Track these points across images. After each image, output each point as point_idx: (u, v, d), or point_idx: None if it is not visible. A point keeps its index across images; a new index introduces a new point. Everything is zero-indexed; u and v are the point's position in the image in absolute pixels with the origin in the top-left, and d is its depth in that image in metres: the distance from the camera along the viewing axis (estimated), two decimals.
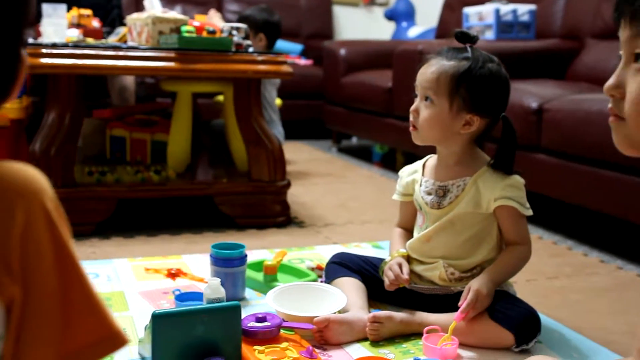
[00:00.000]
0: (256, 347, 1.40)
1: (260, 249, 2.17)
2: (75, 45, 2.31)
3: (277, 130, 3.41)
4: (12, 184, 0.64)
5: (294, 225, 2.54)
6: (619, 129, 0.99)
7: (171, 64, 2.35)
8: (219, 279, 1.51)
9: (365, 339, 1.53)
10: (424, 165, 1.70)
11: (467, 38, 1.62)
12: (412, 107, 1.61)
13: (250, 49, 2.57)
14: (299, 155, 4.11)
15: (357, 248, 2.22)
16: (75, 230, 2.27)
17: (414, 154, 3.52)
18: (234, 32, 2.61)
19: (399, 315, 1.55)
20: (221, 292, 1.49)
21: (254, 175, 2.54)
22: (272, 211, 2.53)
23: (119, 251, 2.15)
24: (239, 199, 2.50)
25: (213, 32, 2.53)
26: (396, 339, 1.54)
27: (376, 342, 1.52)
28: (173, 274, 1.89)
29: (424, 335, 1.48)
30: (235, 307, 1.36)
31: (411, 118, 1.62)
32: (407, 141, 3.50)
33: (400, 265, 1.61)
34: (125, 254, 2.12)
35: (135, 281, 1.86)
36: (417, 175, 1.69)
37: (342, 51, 4.35)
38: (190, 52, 2.37)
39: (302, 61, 5.06)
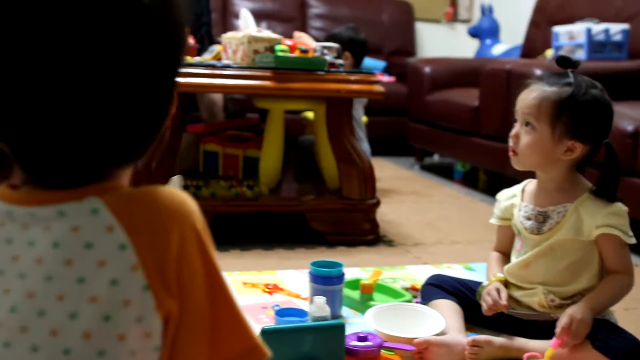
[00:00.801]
0: None
1: (351, 266, 2.20)
2: None
3: (364, 147, 3.44)
4: (166, 208, 0.69)
5: (383, 244, 2.57)
6: None
7: (267, 83, 2.42)
8: (325, 298, 1.55)
9: None
10: (523, 190, 1.70)
11: (569, 63, 1.62)
12: (512, 132, 1.62)
13: (342, 68, 2.62)
14: (383, 172, 4.13)
15: (449, 269, 2.22)
16: None
17: (497, 173, 3.51)
18: (325, 51, 2.67)
19: (498, 340, 1.56)
20: (326, 311, 1.53)
21: (344, 193, 2.58)
22: (361, 229, 2.57)
23: None
24: (330, 216, 2.54)
25: (306, 52, 2.59)
26: None
27: None
28: (270, 289, 1.95)
29: None
30: (340, 325, 1.39)
31: (511, 143, 1.62)
32: (492, 160, 3.51)
33: (498, 291, 1.61)
34: (221, 267, 2.18)
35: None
36: (515, 200, 1.70)
37: (427, 69, 4.36)
38: (286, 71, 2.44)
39: (386, 78, 5.09)
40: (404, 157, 4.83)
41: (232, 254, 2.37)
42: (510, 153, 1.63)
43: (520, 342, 1.56)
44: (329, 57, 2.63)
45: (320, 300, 1.54)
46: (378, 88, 2.52)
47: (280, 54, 2.51)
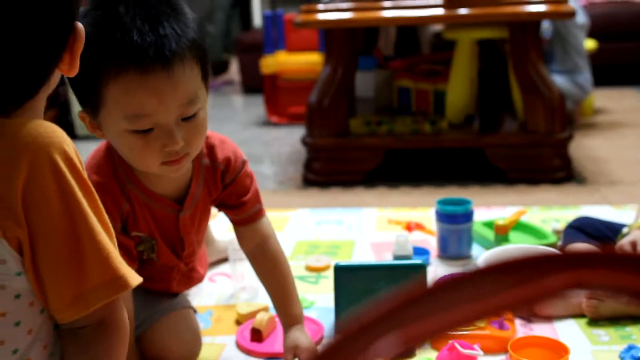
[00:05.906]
0: None
1: (517, 205, 2.03)
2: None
3: (584, 77, 3.09)
4: (19, 139, 0.71)
5: (574, 182, 2.31)
6: None
7: (436, 12, 2.29)
8: (407, 235, 1.45)
9: (582, 316, 1.35)
10: None
11: None
12: None
13: None
14: (619, 103, 3.68)
15: (633, 212, 1.93)
16: (346, 178, 2.38)
17: None
18: None
19: None
20: (408, 250, 1.43)
21: (529, 127, 2.36)
22: (548, 165, 2.33)
23: (376, 201, 2.19)
24: (512, 151, 2.35)
25: None
26: (621, 321, 1.33)
27: (595, 321, 1.33)
28: (411, 227, 1.87)
29: None
30: (420, 266, 1.30)
31: None
32: None
33: (634, 245, 1.37)
34: (382, 203, 2.15)
35: (373, 231, 1.88)
36: None
37: None
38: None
39: None
40: None
41: (400, 190, 2.31)
42: None
43: None
44: None
45: (402, 238, 1.44)
46: (567, 8, 2.24)
47: None
